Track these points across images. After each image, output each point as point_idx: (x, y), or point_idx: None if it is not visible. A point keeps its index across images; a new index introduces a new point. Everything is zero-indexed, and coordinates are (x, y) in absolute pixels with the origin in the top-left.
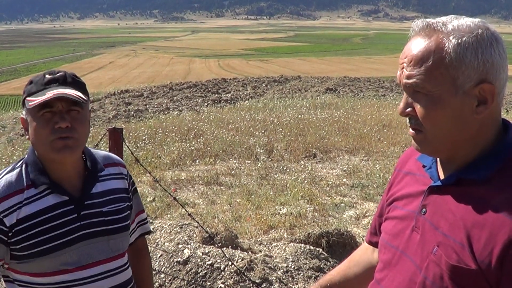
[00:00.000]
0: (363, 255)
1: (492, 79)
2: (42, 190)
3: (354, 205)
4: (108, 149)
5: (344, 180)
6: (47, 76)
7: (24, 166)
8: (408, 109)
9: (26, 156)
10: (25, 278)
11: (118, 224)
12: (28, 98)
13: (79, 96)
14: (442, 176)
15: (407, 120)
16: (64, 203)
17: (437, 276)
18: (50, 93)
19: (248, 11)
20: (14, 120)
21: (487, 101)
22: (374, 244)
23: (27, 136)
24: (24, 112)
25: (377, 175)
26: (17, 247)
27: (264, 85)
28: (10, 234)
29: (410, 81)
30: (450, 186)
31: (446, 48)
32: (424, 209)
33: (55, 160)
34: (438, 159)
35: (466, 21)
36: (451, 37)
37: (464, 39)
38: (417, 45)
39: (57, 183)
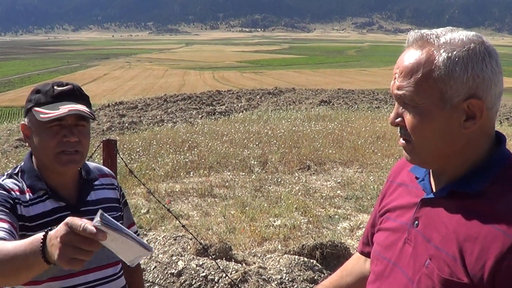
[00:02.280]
0: (355, 265)
1: (482, 94)
2: (40, 195)
3: (348, 217)
4: (102, 160)
5: (338, 192)
6: (56, 88)
7: (20, 173)
8: (398, 119)
9: (22, 163)
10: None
11: None
12: (37, 109)
13: (90, 112)
14: (434, 189)
15: (398, 130)
16: (61, 208)
17: None
18: (64, 108)
19: (242, 23)
20: (8, 132)
21: (476, 116)
22: (366, 254)
23: (27, 143)
24: (26, 120)
25: (371, 187)
26: None
27: (258, 97)
28: (20, 223)
29: (400, 92)
30: (443, 199)
31: (435, 62)
32: (416, 222)
33: (57, 171)
34: (431, 171)
35: (460, 35)
36: (441, 51)
37: (454, 53)
38: (409, 57)
39: (54, 190)
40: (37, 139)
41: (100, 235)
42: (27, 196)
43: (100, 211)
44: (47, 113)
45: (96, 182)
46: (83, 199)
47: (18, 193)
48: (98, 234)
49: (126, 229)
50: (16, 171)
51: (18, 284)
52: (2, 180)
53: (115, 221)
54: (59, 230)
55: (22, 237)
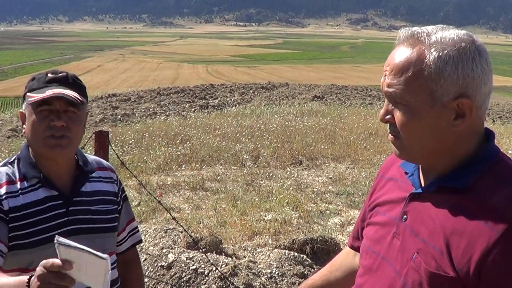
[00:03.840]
0: (344, 259)
1: (472, 93)
2: (33, 183)
3: (339, 212)
4: (94, 152)
5: (330, 187)
6: (49, 75)
7: (16, 161)
8: (388, 116)
9: (19, 152)
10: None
11: (105, 224)
12: (28, 94)
13: (76, 98)
14: (423, 184)
15: (388, 126)
16: (53, 197)
17: (416, 283)
18: (49, 91)
19: (237, 17)
20: (1, 122)
21: (465, 115)
22: (356, 249)
23: (23, 130)
24: (23, 107)
25: (363, 183)
26: (9, 235)
27: (251, 91)
28: (8, 218)
29: (390, 90)
30: (431, 194)
31: (426, 60)
32: (405, 216)
33: (47, 156)
34: (420, 166)
35: (450, 33)
36: (432, 49)
37: (445, 52)
38: (400, 54)
39: (48, 178)
40: (28, 123)
41: (66, 265)
42: (18, 185)
43: (56, 236)
44: (34, 96)
45: (93, 174)
46: (77, 190)
47: (6, 186)
48: (64, 264)
49: (80, 245)
50: (12, 160)
51: None
52: None
53: (71, 242)
54: (36, 272)
55: (12, 229)
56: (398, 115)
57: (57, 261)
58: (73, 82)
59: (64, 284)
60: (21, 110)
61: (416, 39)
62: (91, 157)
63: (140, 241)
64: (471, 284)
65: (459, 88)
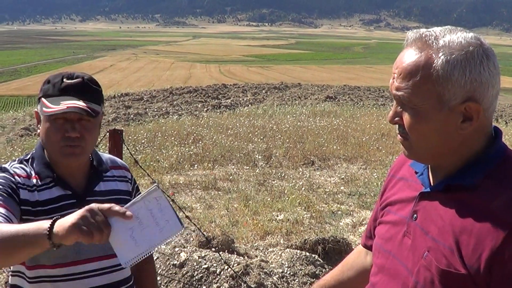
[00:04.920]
0: (356, 259)
1: (479, 97)
2: (47, 182)
3: (351, 213)
4: (107, 150)
5: (342, 188)
6: (65, 80)
7: (31, 160)
8: (396, 118)
9: (34, 150)
10: (19, 268)
11: None
12: (43, 100)
13: (91, 109)
14: (432, 183)
15: (396, 127)
16: (67, 196)
17: (428, 280)
18: (64, 104)
19: (250, 17)
20: (14, 121)
21: (473, 118)
22: (369, 248)
23: (38, 131)
24: (38, 107)
25: (375, 183)
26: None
27: (264, 91)
28: (21, 208)
29: (399, 93)
30: (440, 193)
31: (434, 65)
32: (415, 215)
33: (61, 162)
34: (429, 166)
35: (458, 37)
36: (440, 54)
37: (453, 56)
38: (408, 58)
39: (62, 177)
40: (43, 129)
41: (128, 215)
42: (34, 181)
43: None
44: (49, 107)
45: (107, 174)
46: (91, 189)
47: (23, 178)
48: (126, 214)
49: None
50: (27, 158)
51: (9, 265)
52: (10, 165)
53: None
54: (80, 211)
55: (25, 221)
56: (406, 117)
57: (118, 207)
58: (89, 89)
59: (101, 232)
60: (36, 110)
61: (424, 42)
62: (106, 155)
63: None
64: (482, 281)
65: (467, 92)
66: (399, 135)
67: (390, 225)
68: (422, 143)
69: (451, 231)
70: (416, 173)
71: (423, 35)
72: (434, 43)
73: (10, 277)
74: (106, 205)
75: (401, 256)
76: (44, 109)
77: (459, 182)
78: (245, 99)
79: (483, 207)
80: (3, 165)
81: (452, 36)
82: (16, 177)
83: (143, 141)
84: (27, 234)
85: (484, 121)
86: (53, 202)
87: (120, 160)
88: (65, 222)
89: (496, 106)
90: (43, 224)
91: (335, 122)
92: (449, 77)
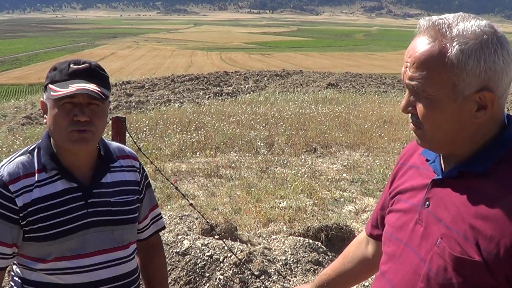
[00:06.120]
0: (356, 249)
1: (494, 86)
2: (52, 175)
3: (354, 200)
4: (110, 138)
5: (344, 175)
6: (72, 66)
7: (37, 150)
8: (410, 108)
9: (40, 140)
10: (25, 262)
11: (125, 215)
12: (50, 86)
13: (100, 92)
14: (444, 170)
15: (409, 116)
16: (72, 189)
17: (441, 268)
18: (73, 87)
19: (251, 4)
20: (15, 109)
21: (487, 107)
22: (375, 237)
23: (45, 120)
24: (44, 96)
25: (377, 170)
26: (26, 229)
27: (265, 79)
28: (21, 215)
29: (412, 82)
30: (452, 179)
31: (448, 54)
32: (427, 202)
33: (69, 149)
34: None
35: (472, 25)
36: (454, 43)
37: (467, 46)
38: (421, 46)
39: (67, 169)
40: (50, 116)
41: None
42: (36, 177)
43: None
44: (57, 90)
45: (114, 164)
46: (98, 181)
47: (21, 180)
48: None
49: None
50: (31, 148)
51: None
52: (10, 162)
53: None
54: None
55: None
56: (420, 107)
57: None
58: (96, 74)
59: None
60: (42, 99)
61: (438, 31)
62: (113, 144)
63: (164, 227)
64: (499, 267)
65: (481, 81)
66: (412, 124)
67: (401, 213)
68: (436, 132)
69: (465, 218)
70: (428, 160)
71: (436, 23)
72: (447, 32)
73: (16, 268)
74: None
75: (413, 244)
76: (52, 93)
77: (472, 169)
78: (246, 87)
79: (497, 192)
80: None
81: (466, 24)
82: (10, 186)
83: (145, 129)
84: None
85: (498, 109)
86: (57, 196)
87: (129, 149)
88: None
89: (508, 94)
90: None
91: (337, 109)
92: (464, 66)
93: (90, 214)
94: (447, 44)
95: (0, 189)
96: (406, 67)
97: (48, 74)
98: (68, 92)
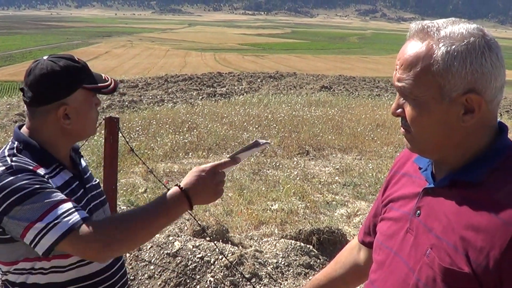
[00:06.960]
0: (348, 256)
1: (481, 89)
2: (54, 167)
3: (346, 203)
4: (103, 138)
5: (337, 178)
6: (81, 63)
7: (22, 151)
8: (399, 110)
9: (16, 143)
10: (32, 265)
11: (103, 196)
12: (87, 86)
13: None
14: (437, 178)
15: (400, 120)
16: (72, 179)
17: (430, 278)
18: (106, 78)
19: (245, 6)
20: (8, 106)
21: (474, 111)
22: (367, 244)
23: (67, 122)
24: (69, 102)
25: (370, 174)
26: None
27: (259, 80)
28: None
29: (400, 84)
30: (444, 188)
31: (434, 56)
32: (418, 211)
33: (72, 141)
34: (433, 161)
35: (460, 28)
36: (440, 45)
37: (453, 47)
38: (410, 49)
39: (60, 162)
40: (84, 113)
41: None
42: (42, 171)
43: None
44: (102, 86)
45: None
46: (81, 168)
47: (39, 169)
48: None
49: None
50: (14, 150)
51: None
52: (13, 162)
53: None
54: (206, 177)
55: None
56: (408, 109)
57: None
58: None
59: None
60: (65, 105)
61: (426, 33)
62: None
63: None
64: (489, 279)
65: (468, 83)
66: (402, 128)
67: (392, 222)
68: (424, 135)
69: (456, 228)
70: (420, 168)
71: (426, 26)
72: (435, 34)
73: (17, 276)
74: (223, 163)
75: (403, 253)
76: (103, 90)
77: (464, 178)
78: (240, 88)
79: (489, 203)
80: (12, 164)
81: (454, 27)
82: (38, 171)
83: (137, 128)
84: (166, 211)
85: (488, 114)
86: (70, 184)
87: None
88: (203, 194)
89: (501, 100)
90: (179, 198)
91: (330, 112)
92: (449, 68)
93: (91, 200)
94: (434, 45)
95: (31, 173)
96: (396, 70)
97: (71, 78)
98: (109, 83)
